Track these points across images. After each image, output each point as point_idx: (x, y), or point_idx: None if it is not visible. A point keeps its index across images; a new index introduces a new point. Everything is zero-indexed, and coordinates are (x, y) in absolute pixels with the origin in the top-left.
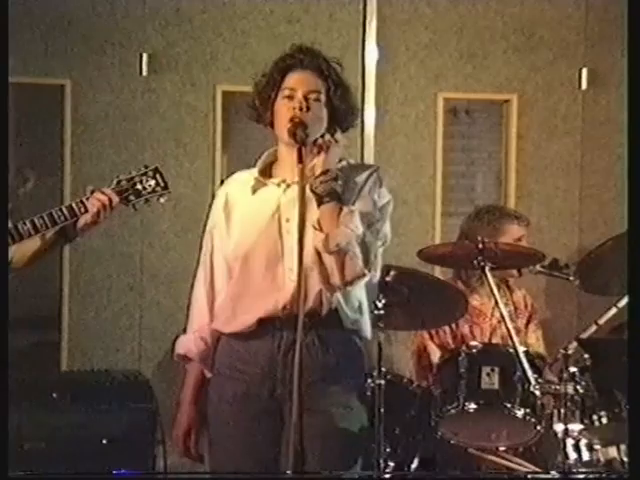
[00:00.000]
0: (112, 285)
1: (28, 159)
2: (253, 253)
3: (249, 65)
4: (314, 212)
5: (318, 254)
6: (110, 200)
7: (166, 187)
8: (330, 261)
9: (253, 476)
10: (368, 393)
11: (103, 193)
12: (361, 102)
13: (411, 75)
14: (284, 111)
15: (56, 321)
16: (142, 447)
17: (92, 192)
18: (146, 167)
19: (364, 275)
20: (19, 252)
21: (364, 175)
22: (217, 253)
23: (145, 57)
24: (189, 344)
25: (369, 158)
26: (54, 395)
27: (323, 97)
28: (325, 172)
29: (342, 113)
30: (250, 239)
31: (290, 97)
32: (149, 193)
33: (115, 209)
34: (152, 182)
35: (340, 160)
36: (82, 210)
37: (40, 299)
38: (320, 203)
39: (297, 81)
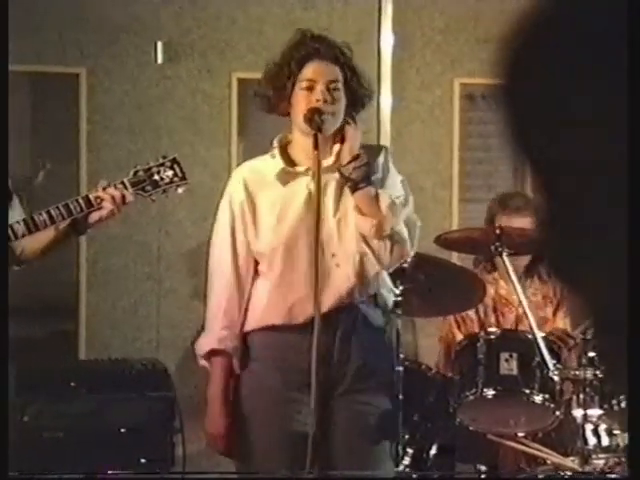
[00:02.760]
0: (129, 274)
1: (44, 148)
2: (295, 243)
3: (264, 52)
4: (348, 198)
5: (363, 238)
6: (123, 197)
7: (184, 178)
8: (379, 245)
9: (258, 476)
10: None
11: (116, 189)
12: (377, 89)
13: (427, 61)
14: (305, 103)
15: (73, 310)
16: (160, 436)
17: (104, 188)
18: (164, 157)
19: (408, 256)
20: (30, 244)
21: (381, 157)
22: (241, 247)
23: (160, 45)
24: (225, 340)
25: (386, 145)
26: (72, 384)
27: (341, 85)
28: (356, 157)
29: (360, 97)
30: (288, 229)
31: (310, 88)
32: (167, 184)
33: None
34: (170, 173)
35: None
36: (98, 201)
37: (57, 288)
38: (356, 189)
39: (316, 72)
